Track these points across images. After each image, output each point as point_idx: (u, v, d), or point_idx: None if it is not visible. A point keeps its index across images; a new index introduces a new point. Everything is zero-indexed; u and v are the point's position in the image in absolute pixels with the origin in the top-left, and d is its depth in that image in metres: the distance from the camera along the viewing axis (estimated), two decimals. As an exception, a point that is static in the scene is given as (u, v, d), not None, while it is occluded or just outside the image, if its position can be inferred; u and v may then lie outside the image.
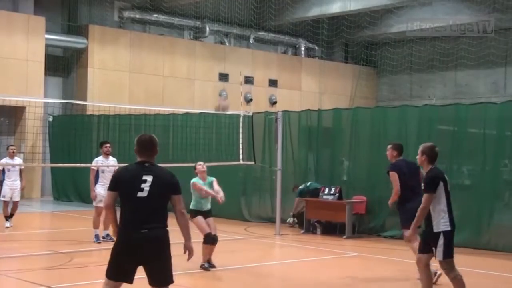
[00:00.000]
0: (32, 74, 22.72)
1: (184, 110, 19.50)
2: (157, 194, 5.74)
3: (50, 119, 22.63)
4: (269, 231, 14.71)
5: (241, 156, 15.06)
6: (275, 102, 29.39)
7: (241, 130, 15.39)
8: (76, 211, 18.62)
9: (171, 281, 5.78)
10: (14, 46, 22.48)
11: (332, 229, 14.56)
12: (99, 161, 12.82)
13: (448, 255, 7.20)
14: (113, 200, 5.86)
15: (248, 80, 28.89)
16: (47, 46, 23.46)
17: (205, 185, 10.06)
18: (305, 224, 14.79)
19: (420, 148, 7.55)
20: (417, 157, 7.57)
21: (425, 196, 7.25)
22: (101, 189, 12.33)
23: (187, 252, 5.95)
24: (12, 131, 22.62)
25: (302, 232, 14.73)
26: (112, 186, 5.89)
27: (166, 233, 5.80)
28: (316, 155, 16.27)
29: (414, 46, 30.12)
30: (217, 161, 15.35)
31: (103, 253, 11.71)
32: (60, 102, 22.16)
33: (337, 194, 14.36)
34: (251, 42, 29.94)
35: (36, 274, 9.75)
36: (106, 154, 12.85)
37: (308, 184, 15.34)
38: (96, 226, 12.53)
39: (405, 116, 14.52)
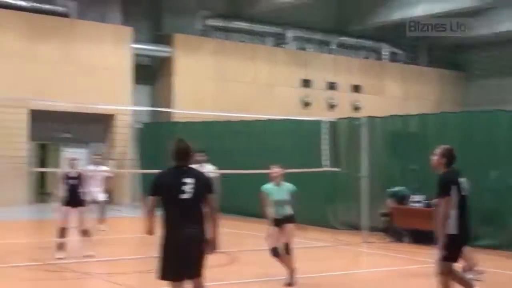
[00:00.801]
0: (120, 83, 23.39)
1: (267, 117, 19.60)
2: (197, 195, 6.13)
3: (139, 126, 23.21)
4: (356, 239, 14.56)
5: (325, 163, 14.97)
6: (358, 108, 29.13)
7: (324, 137, 15.29)
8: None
9: (200, 275, 6.14)
10: (103, 56, 23.22)
11: (421, 237, 14.26)
12: None
13: (445, 257, 7.12)
14: (156, 204, 6.18)
15: (331, 86, 28.78)
16: (135, 55, 24.13)
17: (279, 189, 9.87)
18: (392, 232, 14.55)
19: (439, 150, 7.52)
20: (435, 158, 7.51)
21: (441, 201, 7.16)
22: None
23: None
24: (103, 138, 23.34)
25: (389, 240, 14.51)
26: (153, 191, 6.20)
27: (203, 231, 6.15)
28: (402, 161, 15.98)
29: (505, 48, 29.18)
30: (300, 168, 15.31)
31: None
32: (149, 110, 22.68)
33: (426, 201, 14.09)
34: (333, 47, 29.81)
35: (128, 277, 10.02)
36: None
37: (397, 189, 15.01)
38: None
39: (495, 121, 14.08)
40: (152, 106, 24.06)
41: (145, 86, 25.25)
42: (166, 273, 6.09)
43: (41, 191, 23.51)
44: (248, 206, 17.35)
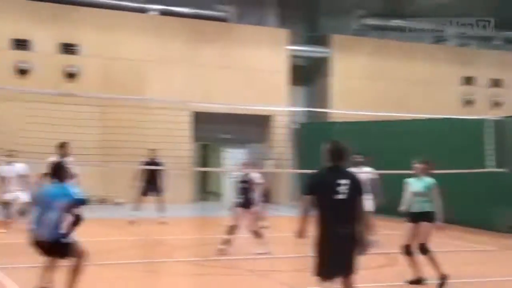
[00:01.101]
0: (277, 85, 23.81)
1: (426, 116, 19.05)
2: (351, 195, 6.26)
3: (296, 127, 23.48)
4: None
5: (490, 163, 14.31)
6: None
7: (489, 136, 14.61)
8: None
9: (354, 272, 6.28)
10: (260, 58, 23.76)
11: None
12: None
13: None
14: (311, 203, 6.31)
15: (496, 83, 27.45)
16: (291, 57, 24.45)
17: (418, 182, 9.59)
18: None
19: None
20: None
21: None
22: None
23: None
24: (261, 139, 23.88)
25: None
26: (309, 191, 6.36)
27: (356, 231, 6.28)
28: None
29: None
30: (461, 168, 14.73)
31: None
32: (303, 111, 22.92)
33: None
34: (497, 43, 28.40)
35: (285, 275, 10.15)
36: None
37: None
38: None
39: None
40: (308, 107, 24.23)
41: (300, 87, 25.50)
42: (321, 271, 6.22)
43: (204, 190, 24.47)
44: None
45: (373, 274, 10.08)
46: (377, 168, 15.18)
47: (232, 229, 11.62)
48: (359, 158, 13.43)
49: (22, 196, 14.18)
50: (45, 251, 7.45)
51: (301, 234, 6.34)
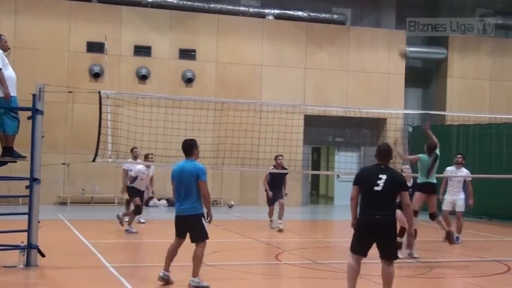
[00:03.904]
0: (393, 87, 23.52)
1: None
2: (389, 189, 7.41)
3: (410, 129, 23.07)
4: None
5: None
6: None
7: None
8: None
9: (396, 257, 7.72)
10: (376, 60, 23.55)
11: None
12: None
13: None
14: (357, 193, 7.57)
15: None
16: (407, 58, 24.05)
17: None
18: None
19: None
20: None
21: None
22: None
23: None
24: (375, 142, 23.64)
25: None
26: (356, 182, 7.62)
27: (393, 219, 7.56)
28: None
29: None
30: None
31: (464, 264, 11.57)
32: (420, 113, 22.45)
33: None
34: None
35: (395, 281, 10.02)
36: None
37: None
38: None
39: None
40: (423, 109, 23.73)
41: (416, 89, 25.03)
42: (353, 248, 7.57)
43: (315, 193, 24.55)
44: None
45: (489, 281, 9.81)
46: (493, 171, 14.74)
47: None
48: (460, 159, 13.83)
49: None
50: None
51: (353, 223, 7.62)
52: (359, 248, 7.54)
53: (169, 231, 8.48)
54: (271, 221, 15.26)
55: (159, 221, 17.83)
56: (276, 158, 15.23)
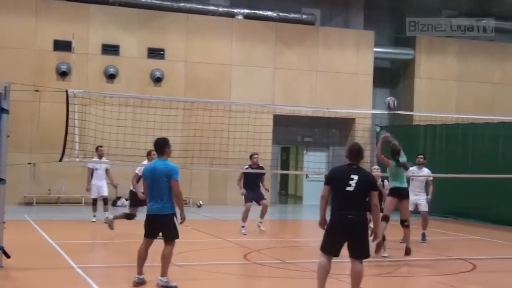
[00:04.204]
0: (362, 87, 23.69)
1: (515, 119, 18.49)
2: (360, 189, 7.46)
3: (378, 129, 23.24)
4: None
5: None
6: None
7: None
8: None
9: (369, 256, 7.68)
10: (345, 61, 23.68)
11: None
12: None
13: None
14: (328, 192, 7.63)
15: None
16: (375, 58, 24.24)
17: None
18: None
19: None
20: None
21: None
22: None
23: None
24: (343, 142, 23.80)
25: None
26: (327, 181, 7.69)
27: (365, 219, 7.60)
28: None
29: None
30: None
31: (430, 263, 11.68)
32: (387, 113, 22.63)
33: None
34: None
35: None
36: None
37: None
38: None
39: None
40: (390, 109, 23.91)
41: (383, 89, 25.24)
42: (324, 247, 7.58)
43: (283, 192, 24.60)
44: (497, 212, 16.63)
45: (452, 279, 9.93)
46: (460, 171, 14.95)
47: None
48: (421, 160, 14.06)
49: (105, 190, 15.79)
50: None
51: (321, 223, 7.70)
52: (330, 248, 7.58)
53: (137, 230, 8.44)
54: (243, 227, 14.44)
55: (127, 221, 17.70)
56: (251, 157, 14.86)
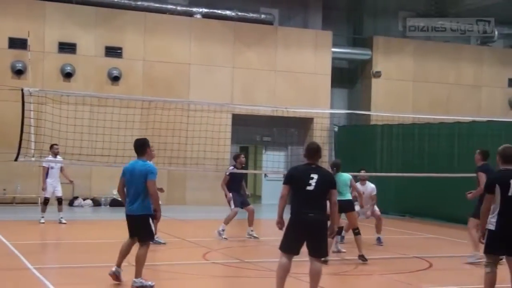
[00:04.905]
0: (320, 87, 23.82)
1: (470, 119, 18.84)
2: (320, 188, 7.50)
3: (336, 129, 23.46)
4: None
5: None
6: None
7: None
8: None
9: (327, 255, 7.85)
10: (303, 61, 23.79)
11: None
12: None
13: (485, 250, 7.63)
14: (288, 192, 7.61)
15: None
16: (333, 59, 24.43)
17: None
18: None
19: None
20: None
21: (485, 197, 7.69)
22: None
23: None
24: (302, 141, 23.93)
25: None
26: (286, 181, 7.66)
27: (325, 218, 7.62)
28: None
29: None
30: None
31: (387, 262, 11.81)
32: (345, 113, 22.89)
33: None
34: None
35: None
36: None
37: None
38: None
39: None
40: (348, 109, 24.18)
41: (342, 89, 25.49)
42: (284, 246, 7.57)
43: (242, 192, 24.56)
44: (452, 211, 16.90)
45: (410, 277, 10.05)
46: (416, 171, 15.15)
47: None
48: (364, 177, 13.88)
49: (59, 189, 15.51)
50: None
51: (279, 223, 7.64)
52: (291, 247, 7.57)
53: (93, 231, 8.45)
54: (223, 230, 13.65)
55: (83, 221, 17.52)
56: (239, 156, 14.00)
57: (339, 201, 10.48)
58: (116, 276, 8.61)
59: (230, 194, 13.74)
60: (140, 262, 8.37)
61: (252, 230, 13.93)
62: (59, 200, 15.76)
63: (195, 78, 22.55)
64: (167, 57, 22.30)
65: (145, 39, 22.13)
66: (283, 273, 7.58)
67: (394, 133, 20.98)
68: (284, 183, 7.67)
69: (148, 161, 8.75)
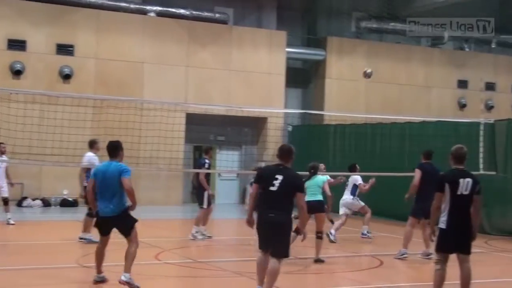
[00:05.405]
0: (274, 86, 23.87)
1: (420, 119, 19.13)
2: (283, 189, 7.49)
3: (290, 129, 23.54)
4: (511, 246, 13.84)
5: (481, 166, 14.39)
6: (518, 109, 27.71)
7: (481, 139, 14.72)
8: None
9: (286, 256, 7.65)
10: (258, 60, 23.81)
11: None
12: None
13: (436, 248, 7.84)
14: (257, 191, 7.67)
15: (490, 87, 27.51)
16: (288, 59, 24.51)
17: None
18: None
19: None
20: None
21: (435, 195, 7.80)
22: None
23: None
24: (255, 141, 23.97)
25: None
26: (256, 180, 7.81)
27: (286, 219, 7.57)
28: None
29: None
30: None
31: (337, 260, 11.90)
32: (299, 112, 23.00)
33: None
34: (493, 46, 28.47)
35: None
36: None
37: None
38: None
39: None
40: (303, 108, 24.30)
41: (296, 89, 25.60)
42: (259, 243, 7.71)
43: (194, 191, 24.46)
44: (404, 210, 17.05)
45: (363, 276, 10.12)
46: (368, 170, 15.32)
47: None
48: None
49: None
50: None
51: (249, 221, 7.75)
52: (261, 244, 7.72)
53: (42, 232, 8.31)
54: (197, 232, 13.45)
55: (32, 222, 17.18)
56: (210, 150, 14.11)
57: (309, 201, 10.50)
58: (101, 281, 8.62)
59: (210, 191, 13.60)
60: (132, 258, 8.47)
61: (205, 230, 13.87)
62: (5, 201, 15.31)
63: (149, 77, 22.35)
64: (120, 56, 22.04)
65: (97, 37, 21.83)
66: (259, 268, 7.72)
67: (347, 132, 21.18)
68: (254, 182, 7.86)
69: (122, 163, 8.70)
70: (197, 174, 13.79)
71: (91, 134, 18.22)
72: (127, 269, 8.44)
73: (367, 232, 14.27)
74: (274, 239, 7.57)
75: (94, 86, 21.41)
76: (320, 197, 11.29)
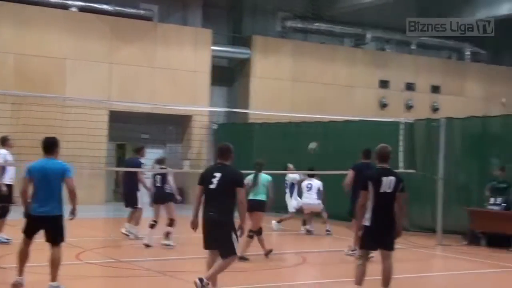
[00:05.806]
0: (199, 85, 23.79)
1: (344, 118, 19.46)
2: (222, 186, 7.49)
3: (215, 127, 23.52)
4: (430, 242, 14.28)
5: (400, 164, 14.77)
6: (437, 109, 28.58)
7: (401, 138, 15.11)
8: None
9: (234, 253, 7.60)
10: (183, 58, 23.67)
11: (498, 241, 13.83)
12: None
13: (361, 244, 8.09)
14: (201, 191, 7.68)
15: (410, 87, 28.30)
16: (213, 57, 24.46)
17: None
18: (468, 235, 14.22)
19: None
20: None
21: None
22: None
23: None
24: (180, 139, 23.82)
25: (465, 243, 14.16)
26: (199, 181, 7.79)
27: (228, 217, 7.52)
28: (481, 164, 15.55)
29: None
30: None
31: (263, 258, 11.97)
32: (224, 111, 23.02)
33: (504, 204, 13.65)
34: (413, 48, 29.29)
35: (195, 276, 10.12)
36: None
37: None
38: None
39: None
40: (228, 107, 24.34)
41: (221, 88, 25.60)
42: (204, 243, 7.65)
43: (118, 190, 24.13)
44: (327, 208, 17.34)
45: (286, 273, 10.20)
46: (296, 168, 15.53)
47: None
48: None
49: None
50: None
51: (193, 224, 7.68)
52: (205, 244, 7.70)
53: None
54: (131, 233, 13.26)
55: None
56: (142, 148, 13.94)
57: (250, 200, 10.68)
58: (20, 285, 8.18)
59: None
60: (57, 265, 8.10)
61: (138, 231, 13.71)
62: None
63: (72, 73, 21.86)
64: (42, 51, 21.46)
65: (17, 31, 21.19)
66: (208, 267, 7.77)
67: (272, 131, 21.31)
68: (198, 183, 7.80)
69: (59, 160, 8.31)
70: (127, 173, 13.53)
71: (10, 131, 17.74)
72: (54, 277, 8.12)
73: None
74: (217, 238, 7.56)
75: (14, 82, 20.73)
76: (262, 197, 11.24)
